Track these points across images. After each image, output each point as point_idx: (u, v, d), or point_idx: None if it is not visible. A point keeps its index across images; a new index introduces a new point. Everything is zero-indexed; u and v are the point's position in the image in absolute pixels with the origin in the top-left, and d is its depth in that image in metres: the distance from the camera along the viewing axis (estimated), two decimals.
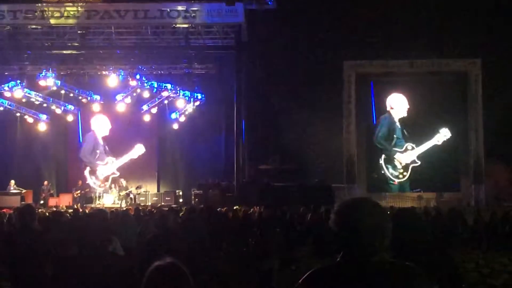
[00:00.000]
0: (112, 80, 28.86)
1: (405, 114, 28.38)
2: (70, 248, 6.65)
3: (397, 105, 28.46)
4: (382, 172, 28.36)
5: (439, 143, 28.04)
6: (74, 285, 4.53)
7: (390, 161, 28.41)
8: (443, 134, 27.85)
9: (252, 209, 18.84)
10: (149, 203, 26.64)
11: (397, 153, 28.40)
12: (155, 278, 3.10)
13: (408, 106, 28.20)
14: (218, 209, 16.16)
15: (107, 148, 30.16)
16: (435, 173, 28.23)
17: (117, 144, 29.98)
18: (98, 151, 30.11)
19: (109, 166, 29.71)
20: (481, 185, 27.35)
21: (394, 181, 28.00)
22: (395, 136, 28.36)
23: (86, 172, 29.63)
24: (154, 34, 28.31)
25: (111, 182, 29.29)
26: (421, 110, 28.23)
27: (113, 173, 29.44)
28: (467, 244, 13.71)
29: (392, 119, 28.66)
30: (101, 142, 30.23)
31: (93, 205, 26.10)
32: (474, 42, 26.50)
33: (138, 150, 29.40)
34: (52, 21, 26.74)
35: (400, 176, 28.15)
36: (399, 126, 28.49)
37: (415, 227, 4.95)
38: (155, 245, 7.09)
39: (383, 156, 28.42)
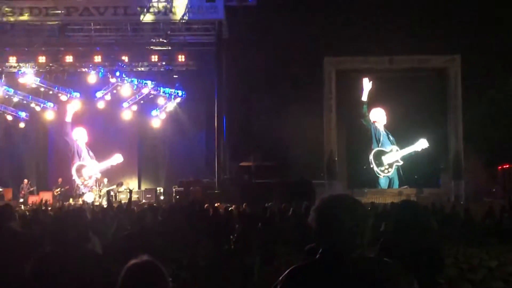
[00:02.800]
0: (91, 77, 28.69)
1: (385, 122, 29.43)
2: (46, 246, 6.60)
3: (379, 117, 29.43)
4: (371, 166, 29.17)
5: (419, 150, 28.72)
6: (51, 283, 4.49)
7: (377, 158, 29.22)
8: (421, 144, 28.63)
9: (233, 206, 18.83)
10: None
11: (383, 153, 29.29)
12: (130, 277, 3.08)
13: (385, 116, 29.48)
14: (199, 206, 16.11)
15: (90, 153, 30.10)
16: (416, 169, 28.52)
17: (98, 143, 29.85)
18: (82, 155, 30.08)
19: (92, 167, 29.69)
20: (460, 181, 27.55)
21: (380, 174, 29.07)
22: (381, 139, 29.41)
23: (73, 170, 29.66)
24: (134, 30, 28.20)
25: (93, 180, 29.26)
26: (400, 107, 28.35)
27: (95, 174, 29.49)
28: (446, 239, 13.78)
29: (378, 129, 29.47)
30: (84, 148, 30.18)
31: (73, 203, 25.95)
32: (454, 39, 26.63)
33: (117, 159, 29.37)
34: (31, 17, 26.55)
35: (386, 171, 29.15)
36: (384, 132, 29.46)
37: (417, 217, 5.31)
38: (131, 243, 7.05)
39: (372, 152, 29.20)
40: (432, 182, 28.49)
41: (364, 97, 29.15)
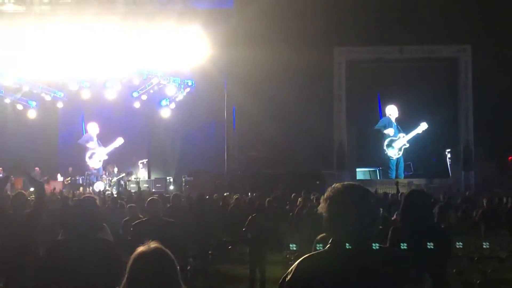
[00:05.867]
0: (102, 66, 28.53)
1: (397, 115, 29.91)
2: (57, 234, 6.66)
3: (393, 112, 29.89)
4: (385, 152, 29.78)
5: (420, 132, 29.10)
6: (62, 270, 4.51)
7: (389, 145, 29.66)
8: (422, 127, 29.05)
9: (242, 196, 18.87)
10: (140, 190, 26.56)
11: (393, 141, 29.63)
12: (138, 264, 3.07)
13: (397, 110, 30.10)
14: (208, 196, 16.16)
15: (99, 142, 30.22)
16: (425, 159, 28.57)
17: (108, 132, 29.89)
18: (93, 145, 30.24)
19: (99, 153, 29.85)
20: (470, 172, 27.48)
21: (393, 157, 29.80)
22: (392, 129, 29.99)
23: (86, 158, 29.99)
24: (143, 19, 28.08)
25: (103, 167, 29.41)
26: (410, 97, 28.33)
27: (103, 157, 29.78)
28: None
29: (391, 121, 29.82)
30: (95, 139, 30.32)
31: (83, 192, 25.99)
32: (465, 28, 26.47)
33: (119, 141, 29.48)
34: (42, 7, 26.61)
35: (396, 154, 29.79)
36: (395, 124, 29.89)
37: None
38: (141, 231, 7.09)
39: (386, 141, 29.72)
40: (442, 172, 28.46)
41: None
